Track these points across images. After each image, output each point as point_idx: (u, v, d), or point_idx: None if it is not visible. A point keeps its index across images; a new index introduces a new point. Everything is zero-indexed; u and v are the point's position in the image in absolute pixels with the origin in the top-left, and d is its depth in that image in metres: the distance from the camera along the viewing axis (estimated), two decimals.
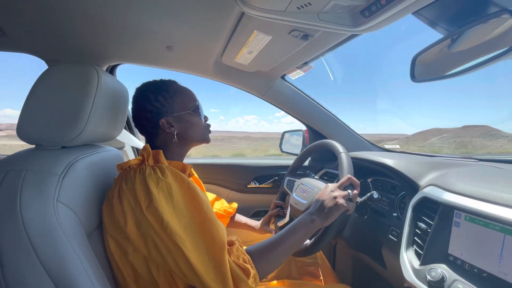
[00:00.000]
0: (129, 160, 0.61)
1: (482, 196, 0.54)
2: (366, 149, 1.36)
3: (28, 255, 0.45)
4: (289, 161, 1.45)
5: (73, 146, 0.62)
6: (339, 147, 0.84)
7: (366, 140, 1.39)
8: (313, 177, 1.01)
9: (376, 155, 0.99)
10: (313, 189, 0.87)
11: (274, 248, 0.63)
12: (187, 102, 0.72)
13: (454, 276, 0.53)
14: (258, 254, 0.61)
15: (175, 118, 0.69)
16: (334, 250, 1.33)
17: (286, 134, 1.60)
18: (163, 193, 0.54)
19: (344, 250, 1.28)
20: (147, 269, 0.56)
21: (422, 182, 0.72)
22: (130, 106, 0.73)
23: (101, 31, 0.84)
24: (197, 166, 1.34)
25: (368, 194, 0.74)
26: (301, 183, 0.96)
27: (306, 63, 1.07)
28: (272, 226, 1.04)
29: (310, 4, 0.54)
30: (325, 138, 1.37)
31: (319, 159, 1.42)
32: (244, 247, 0.64)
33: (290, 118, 1.40)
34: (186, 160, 0.78)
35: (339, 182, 0.73)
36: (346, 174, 0.74)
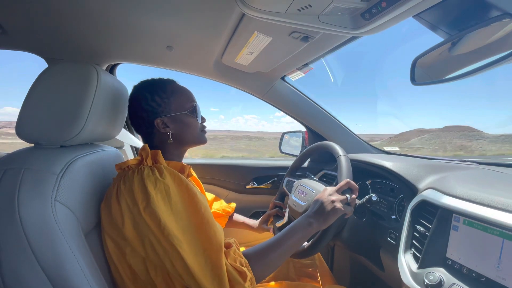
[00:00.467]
0: (128, 160, 0.61)
1: (481, 200, 0.54)
2: (365, 151, 1.36)
3: (25, 254, 0.45)
4: (288, 162, 1.45)
5: (72, 145, 0.62)
6: (339, 150, 0.84)
7: (365, 142, 1.39)
8: (312, 179, 1.01)
9: (375, 157, 0.99)
10: (312, 191, 0.87)
11: (271, 251, 0.63)
12: (184, 103, 0.71)
13: (452, 280, 0.53)
14: (255, 257, 0.61)
15: (171, 118, 0.69)
16: (332, 252, 1.33)
17: (285, 135, 1.60)
18: (161, 194, 0.54)
19: (342, 252, 1.28)
20: (145, 269, 0.55)
21: (421, 185, 0.72)
22: None
23: (101, 30, 0.84)
24: (196, 166, 1.34)
25: (367, 197, 0.74)
26: (300, 184, 0.96)
27: (306, 65, 1.07)
28: (270, 226, 1.04)
29: (311, 6, 0.54)
30: (325, 139, 1.37)
31: (318, 160, 1.42)
32: (242, 249, 0.64)
33: (290, 117, 1.40)
34: (185, 160, 0.78)
35: (338, 186, 0.72)
36: (345, 178, 0.74)
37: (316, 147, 0.99)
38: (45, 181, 0.49)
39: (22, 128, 0.56)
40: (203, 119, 0.77)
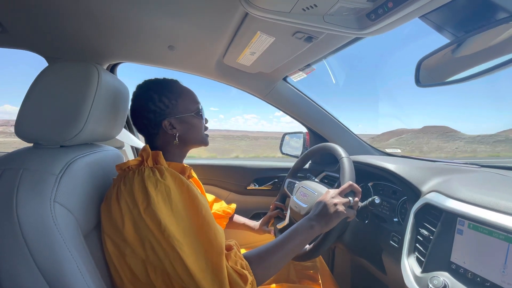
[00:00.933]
0: (128, 161, 0.60)
1: (487, 204, 0.53)
2: (366, 153, 1.35)
3: (23, 256, 0.44)
4: (289, 163, 1.44)
5: (72, 145, 0.61)
6: (342, 152, 0.83)
7: (367, 143, 1.38)
8: (314, 180, 1.00)
9: (377, 160, 0.98)
10: (314, 193, 0.87)
11: (273, 254, 0.62)
12: (190, 104, 0.71)
13: (457, 284, 0.53)
14: (256, 260, 0.60)
15: (178, 120, 0.68)
16: (333, 254, 1.32)
17: (286, 136, 1.59)
18: (162, 195, 0.53)
19: (343, 254, 1.27)
20: (145, 271, 0.55)
21: (424, 188, 0.72)
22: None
23: (102, 29, 0.83)
24: (196, 167, 1.33)
25: (370, 199, 0.73)
26: (302, 186, 0.95)
27: (308, 65, 1.06)
28: (271, 227, 1.03)
29: (316, 6, 0.54)
30: (326, 140, 1.37)
31: (319, 161, 1.41)
32: (242, 250, 0.63)
33: (289, 117, 1.39)
34: (186, 161, 0.77)
35: (340, 189, 0.72)
36: (348, 180, 0.73)
37: (318, 148, 0.99)
38: (44, 182, 0.49)
39: (21, 127, 0.56)
40: (206, 121, 0.77)
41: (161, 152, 0.62)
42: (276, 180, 1.41)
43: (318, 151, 1.00)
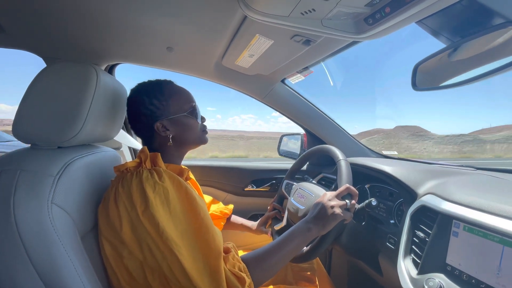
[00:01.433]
0: (126, 162, 0.60)
1: (482, 207, 0.54)
2: (364, 155, 1.36)
3: (20, 258, 0.44)
4: (287, 164, 1.44)
5: (70, 146, 0.61)
6: (339, 154, 0.83)
7: (364, 146, 1.39)
8: (311, 182, 1.00)
9: (374, 162, 0.99)
10: (311, 195, 0.87)
11: (270, 256, 0.62)
12: (182, 104, 0.70)
13: (452, 286, 0.53)
14: (254, 262, 0.60)
15: (170, 121, 0.68)
16: (330, 256, 1.32)
17: (284, 137, 1.60)
18: (160, 198, 0.53)
19: (340, 256, 1.27)
20: (142, 273, 0.55)
21: (420, 190, 0.72)
22: None
23: (101, 29, 0.83)
24: (194, 168, 1.33)
25: (367, 201, 0.74)
26: (299, 188, 0.95)
27: (306, 68, 1.07)
28: (269, 228, 1.03)
29: (314, 10, 0.54)
30: (324, 142, 1.37)
31: (316, 163, 1.42)
32: (240, 252, 0.63)
33: (286, 118, 1.40)
34: (183, 162, 0.77)
35: (338, 191, 0.72)
36: (345, 183, 0.74)
37: (316, 150, 0.99)
38: (41, 183, 0.49)
39: (19, 128, 0.55)
40: (203, 119, 0.76)
41: (159, 153, 0.62)
42: (274, 181, 1.41)
43: (316, 153, 1.00)
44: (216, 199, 1.09)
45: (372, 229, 0.83)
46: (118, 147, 1.16)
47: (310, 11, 0.54)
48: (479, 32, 0.52)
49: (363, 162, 1.02)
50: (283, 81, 1.25)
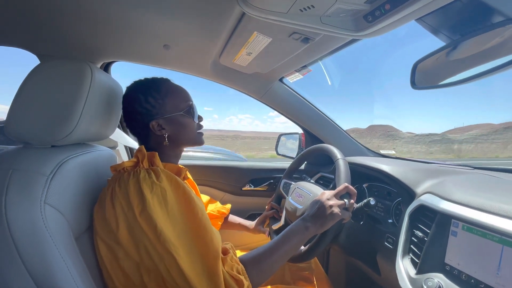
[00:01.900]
0: (123, 162, 0.59)
1: (481, 206, 0.53)
2: (361, 154, 1.36)
3: (12, 259, 0.43)
4: (285, 164, 1.44)
5: (64, 145, 0.60)
6: (337, 153, 0.83)
7: (362, 145, 1.39)
8: (309, 181, 1.00)
9: (372, 161, 0.98)
10: (309, 194, 0.86)
11: (268, 257, 0.62)
12: (179, 103, 0.69)
13: (451, 286, 0.53)
14: (252, 264, 0.60)
15: (166, 120, 0.67)
16: (327, 255, 1.32)
17: (282, 137, 1.59)
18: (157, 198, 0.52)
19: (337, 255, 1.27)
20: (139, 274, 0.54)
21: (418, 190, 0.72)
22: None
23: (96, 26, 0.81)
24: (191, 167, 1.32)
25: (365, 201, 0.73)
26: (297, 187, 0.95)
27: (305, 66, 1.06)
28: (267, 228, 1.03)
29: (313, 7, 0.53)
30: (322, 142, 1.37)
31: (315, 162, 1.41)
32: (237, 251, 0.62)
33: (284, 118, 1.39)
34: (180, 161, 0.76)
35: (336, 190, 0.72)
36: (343, 182, 0.73)
37: (314, 149, 0.99)
38: (34, 183, 0.48)
39: (11, 126, 0.54)
40: (200, 118, 0.75)
41: (157, 153, 0.61)
42: (272, 181, 1.40)
43: (314, 152, 1.00)
44: (213, 199, 1.08)
45: (370, 228, 0.83)
46: (114, 146, 1.15)
47: (309, 8, 0.54)
48: (479, 30, 0.52)
49: (361, 161, 1.01)
50: (281, 79, 1.25)
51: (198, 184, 1.33)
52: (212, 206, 1.04)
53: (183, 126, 0.69)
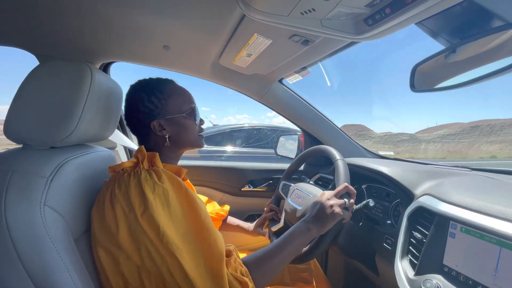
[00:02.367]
0: (123, 163, 0.59)
1: (479, 208, 0.54)
2: (360, 155, 1.37)
3: (11, 261, 0.43)
4: (284, 164, 1.44)
5: (63, 146, 0.60)
6: (336, 154, 0.84)
7: (360, 146, 1.39)
8: (308, 182, 1.00)
9: (371, 162, 0.99)
10: (309, 195, 0.87)
11: (271, 259, 0.62)
12: (182, 105, 0.69)
13: (449, 287, 0.53)
14: (255, 265, 0.59)
15: (168, 121, 0.67)
16: (326, 256, 1.33)
17: (281, 138, 1.60)
18: (160, 199, 0.52)
19: (336, 256, 1.28)
20: (139, 278, 0.53)
21: (417, 191, 0.73)
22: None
23: (96, 26, 0.81)
24: (190, 168, 1.32)
25: (364, 202, 0.74)
26: (297, 188, 0.95)
27: (304, 68, 1.06)
28: (266, 230, 1.03)
29: (314, 10, 0.54)
30: (321, 143, 1.37)
31: (313, 163, 1.42)
32: (239, 253, 0.62)
33: (281, 118, 1.39)
34: (180, 162, 0.76)
35: (336, 190, 0.72)
36: (343, 182, 0.74)
37: (313, 151, 0.99)
38: (33, 185, 0.47)
39: (10, 127, 0.54)
40: (201, 121, 0.75)
41: (157, 153, 0.61)
42: (271, 181, 1.40)
43: (313, 153, 1.00)
44: (212, 199, 1.08)
45: (369, 229, 0.84)
46: (113, 147, 1.14)
47: (310, 11, 0.54)
48: (478, 34, 0.52)
49: (359, 162, 1.02)
50: (280, 81, 1.25)
51: (197, 185, 1.33)
52: (211, 207, 1.03)
53: (184, 127, 0.69)
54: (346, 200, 0.70)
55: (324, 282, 0.96)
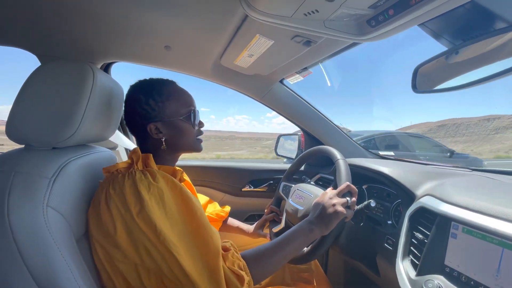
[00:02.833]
0: (117, 164, 0.59)
1: (481, 209, 0.54)
2: (361, 156, 1.37)
3: (14, 262, 0.43)
4: (285, 165, 1.44)
5: (65, 147, 0.59)
6: (337, 154, 0.84)
7: (361, 146, 1.40)
8: (309, 183, 1.00)
9: (372, 163, 0.99)
10: (310, 195, 0.87)
11: (271, 255, 0.62)
12: (180, 108, 0.67)
13: (451, 287, 0.54)
14: (254, 260, 0.60)
15: (165, 124, 0.65)
16: (327, 257, 1.33)
17: (281, 138, 1.60)
18: (155, 198, 0.52)
19: (337, 256, 1.28)
20: (138, 277, 0.54)
21: (418, 192, 0.73)
22: None
23: (97, 27, 0.81)
24: (191, 168, 1.32)
25: (365, 203, 0.74)
26: (298, 189, 0.95)
27: (305, 69, 1.07)
28: (266, 231, 1.03)
29: (318, 11, 0.54)
30: (321, 143, 1.38)
31: (314, 164, 1.42)
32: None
33: (280, 118, 1.41)
34: (180, 162, 0.75)
35: (338, 189, 0.72)
36: (345, 181, 0.74)
37: (314, 151, 0.99)
38: (36, 186, 0.47)
39: (12, 128, 0.54)
40: (201, 124, 0.74)
41: (151, 154, 0.61)
42: (272, 181, 1.40)
43: (314, 154, 1.00)
44: (212, 200, 1.08)
45: (370, 230, 0.84)
46: (114, 147, 1.14)
47: (314, 12, 0.54)
48: (481, 36, 0.52)
49: (360, 163, 1.02)
50: (281, 81, 1.25)
51: (198, 185, 1.33)
52: (211, 207, 1.03)
53: (181, 131, 0.68)
54: (348, 198, 0.70)
55: (325, 282, 0.96)
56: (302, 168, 1.41)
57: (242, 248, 0.64)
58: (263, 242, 1.28)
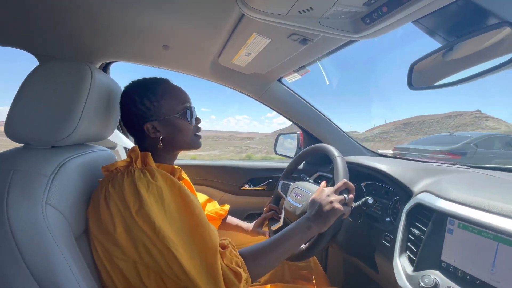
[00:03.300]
0: (116, 162, 0.59)
1: (476, 204, 0.54)
2: (359, 154, 1.37)
3: (14, 259, 0.43)
4: (284, 163, 1.45)
5: (63, 146, 0.60)
6: (335, 152, 0.84)
7: (360, 144, 1.40)
8: (308, 181, 1.01)
9: (370, 160, 0.99)
10: (308, 193, 0.87)
11: (269, 252, 0.63)
12: (175, 105, 0.67)
13: (447, 283, 0.54)
14: (251, 257, 0.61)
15: (161, 122, 0.66)
16: (326, 254, 1.33)
17: (280, 136, 1.60)
18: (154, 196, 0.53)
19: (335, 253, 1.28)
20: (137, 274, 0.54)
21: (415, 188, 0.73)
22: None
23: (95, 27, 0.82)
24: (190, 167, 1.32)
25: (363, 200, 0.74)
26: (296, 187, 0.96)
27: (303, 67, 1.07)
28: (265, 229, 1.03)
29: (312, 9, 0.54)
30: (320, 141, 1.38)
31: (313, 162, 1.42)
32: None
33: (281, 118, 1.43)
34: (179, 162, 0.76)
35: (335, 187, 0.73)
36: (342, 178, 0.74)
37: (312, 149, 0.99)
38: (35, 183, 0.48)
39: (11, 127, 0.54)
40: (198, 120, 0.74)
41: (150, 153, 0.61)
42: (271, 180, 1.41)
43: (312, 152, 1.00)
44: (211, 198, 1.08)
45: (368, 227, 0.84)
46: (113, 147, 1.14)
47: (308, 10, 0.54)
48: (475, 32, 0.53)
49: (358, 160, 1.03)
50: (279, 80, 1.25)
51: (197, 184, 1.34)
52: (210, 206, 1.04)
53: (178, 129, 0.68)
54: (345, 195, 0.71)
55: (324, 279, 0.97)
56: (301, 166, 1.42)
57: (241, 246, 0.65)
58: (262, 240, 1.28)
